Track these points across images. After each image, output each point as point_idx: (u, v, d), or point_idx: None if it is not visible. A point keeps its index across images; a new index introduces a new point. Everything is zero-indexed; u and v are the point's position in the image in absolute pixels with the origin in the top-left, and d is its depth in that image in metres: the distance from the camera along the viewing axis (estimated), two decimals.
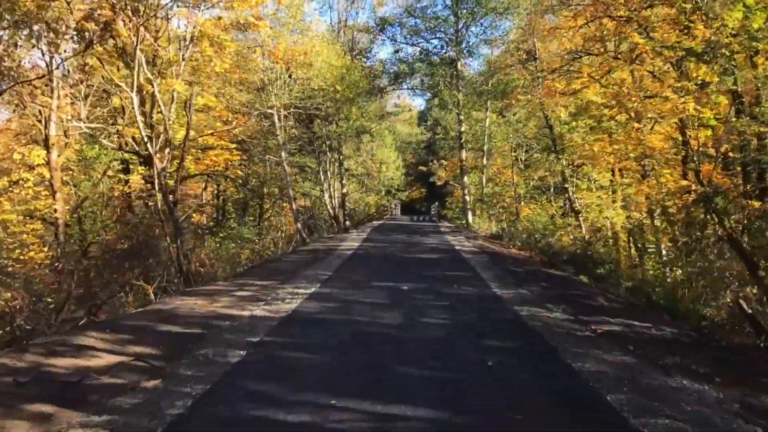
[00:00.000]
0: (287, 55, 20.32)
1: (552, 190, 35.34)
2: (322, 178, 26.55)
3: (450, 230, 24.16)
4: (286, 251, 18.83)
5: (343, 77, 24.13)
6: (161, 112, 14.74)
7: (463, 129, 29.05)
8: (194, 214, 27.66)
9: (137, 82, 13.98)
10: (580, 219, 27.54)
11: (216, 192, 28.43)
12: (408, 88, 30.81)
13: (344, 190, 28.98)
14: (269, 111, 22.03)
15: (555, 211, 34.06)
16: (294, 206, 22.65)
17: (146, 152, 16.75)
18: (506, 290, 9.22)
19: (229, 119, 20.23)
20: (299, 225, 22.72)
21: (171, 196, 13.01)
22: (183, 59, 17.25)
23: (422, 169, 56.33)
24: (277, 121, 22.04)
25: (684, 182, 15.39)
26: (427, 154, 60.12)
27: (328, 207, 26.42)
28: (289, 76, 21.28)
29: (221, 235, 22.50)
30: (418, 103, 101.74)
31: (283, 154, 22.24)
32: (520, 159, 33.84)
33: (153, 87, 14.89)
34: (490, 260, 13.54)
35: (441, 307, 7.75)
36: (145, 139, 12.97)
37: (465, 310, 7.64)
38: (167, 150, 16.89)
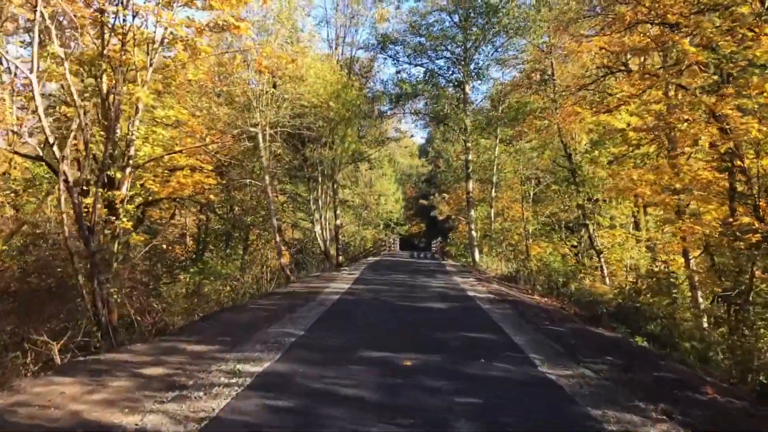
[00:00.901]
0: (273, 64, 17.56)
1: (563, 227, 32.42)
2: (313, 207, 23.57)
3: (456, 270, 21.05)
4: (265, 292, 15.73)
5: (338, 94, 21.41)
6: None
7: (470, 157, 26.23)
8: (176, 247, 24.67)
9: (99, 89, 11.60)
10: (601, 260, 24.53)
11: (198, 222, 25.47)
12: (411, 113, 28.14)
13: (338, 222, 25.97)
14: (253, 130, 19.21)
15: (567, 250, 31.19)
16: (278, 238, 19.61)
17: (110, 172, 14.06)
18: (559, 370, 6.11)
19: (204, 136, 17.35)
20: (283, 260, 19.63)
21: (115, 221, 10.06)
22: (151, 64, 14.60)
23: (423, 202, 53.51)
24: (261, 141, 19.18)
25: (745, 219, 12.36)
26: (428, 188, 57.41)
27: (319, 240, 23.36)
28: (274, 86, 18.50)
29: (191, 270, 19.39)
30: (420, 135, 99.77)
31: (267, 178, 19.30)
32: (529, 193, 30.99)
33: (116, 96, 12.34)
34: (516, 312, 10.44)
35: (469, 412, 4.63)
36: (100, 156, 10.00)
37: (510, 418, 4.53)
38: (128, 170, 14.17)
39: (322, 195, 23.31)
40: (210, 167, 18.78)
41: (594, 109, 20.87)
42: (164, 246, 23.37)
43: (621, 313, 11.97)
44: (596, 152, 22.89)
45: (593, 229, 23.96)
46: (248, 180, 20.38)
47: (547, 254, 28.35)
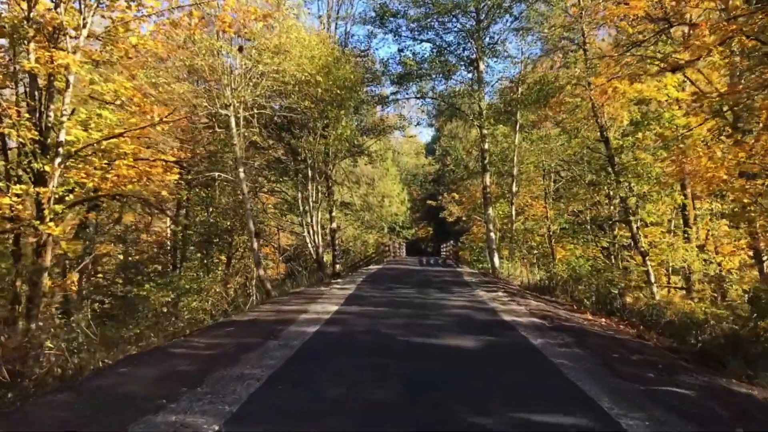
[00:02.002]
0: (241, 18, 13.88)
1: (592, 226, 28.50)
2: (302, 208, 19.80)
3: (476, 279, 17.15)
4: (223, 318, 11.99)
5: (328, 70, 17.69)
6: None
7: (486, 147, 22.36)
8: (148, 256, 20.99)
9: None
10: (648, 263, 20.59)
11: (171, 228, 21.78)
12: (416, 97, 24.27)
13: (334, 225, 22.19)
14: (223, 112, 15.53)
15: (598, 252, 27.35)
16: (255, 245, 15.84)
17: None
18: None
19: (156, 115, 13.65)
20: (262, 272, 15.84)
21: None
22: (84, 26, 11.33)
23: (430, 203, 49.64)
24: (233, 126, 15.48)
25: None
26: (436, 187, 53.57)
27: (309, 247, 19.56)
28: (240, 49, 14.76)
29: (147, 286, 15.67)
30: (426, 133, 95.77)
31: (241, 172, 15.58)
32: (550, 188, 27.11)
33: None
34: (588, 353, 6.64)
35: None
36: None
37: None
38: (57, 161, 11.02)
39: (312, 193, 19.53)
40: (170, 158, 15.14)
41: (647, 74, 17.18)
42: (136, 257, 19.75)
43: (730, 344, 8.12)
44: (639, 134, 19.07)
45: (637, 227, 20.09)
46: (217, 174, 16.61)
47: (576, 258, 24.55)
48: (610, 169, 20.21)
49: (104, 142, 13.19)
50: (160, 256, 21.23)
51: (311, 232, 19.28)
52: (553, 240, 27.07)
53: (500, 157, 24.56)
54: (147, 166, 13.47)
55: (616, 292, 14.16)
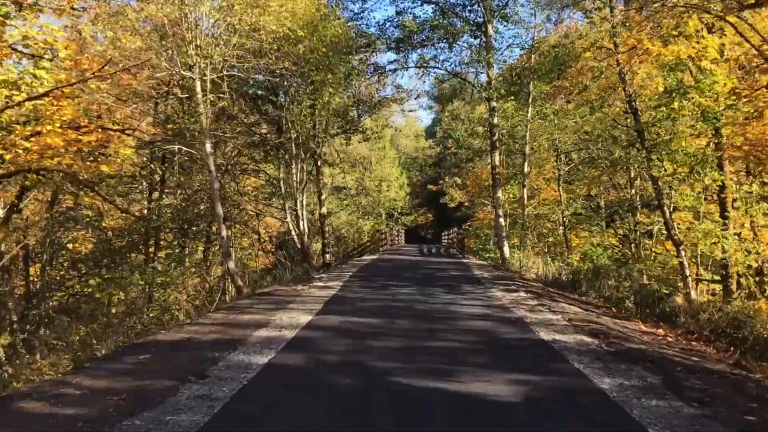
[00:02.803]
0: None
1: (605, 212, 25.87)
2: (283, 190, 17.14)
3: (488, 273, 14.44)
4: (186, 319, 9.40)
5: (314, 27, 14.98)
6: None
7: (495, 122, 19.60)
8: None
9: None
10: (682, 254, 17.98)
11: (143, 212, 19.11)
12: (416, 66, 21.45)
13: (323, 210, 19.53)
14: (187, 74, 12.82)
15: (614, 241, 24.81)
16: (224, 232, 13.19)
17: None
18: None
19: (90, 70, 10.93)
20: (231, 265, 13.17)
21: None
22: None
23: (431, 188, 46.93)
24: (198, 90, 12.76)
25: None
26: (437, 171, 50.84)
27: (293, 234, 16.92)
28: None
29: (92, 282, 13.04)
30: (425, 117, 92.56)
31: (207, 145, 12.90)
32: (562, 171, 24.41)
33: None
34: (693, 406, 4.05)
35: None
36: None
37: None
38: None
39: (296, 173, 16.83)
40: (110, 125, 12.49)
41: (682, 34, 14.67)
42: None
43: None
44: (675, 103, 16.37)
45: (670, 212, 17.45)
46: (177, 148, 13.91)
47: (593, 247, 22.00)
48: (638, 145, 17.51)
49: (27, 104, 10.60)
50: (128, 245, 18.54)
51: (296, 217, 16.64)
52: (566, 227, 24.46)
53: (510, 132, 21.79)
54: (80, 134, 10.78)
55: (666, 291, 11.51)
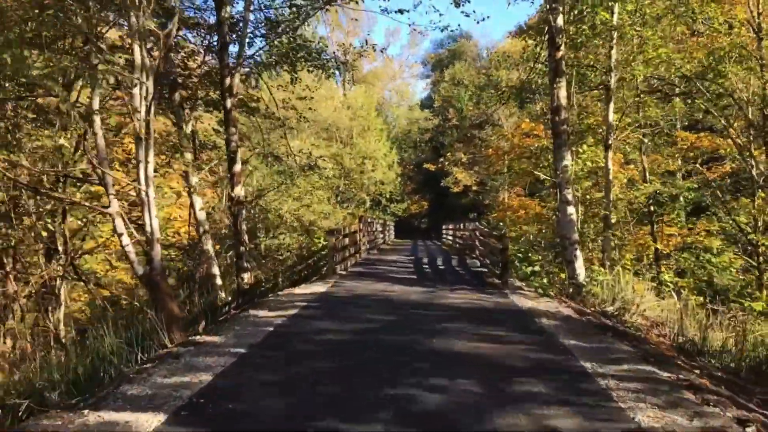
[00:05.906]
0: None
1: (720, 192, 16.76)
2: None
3: (599, 355, 5.26)
4: None
5: None
6: None
7: (560, 23, 10.37)
8: None
9: None
10: None
11: None
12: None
13: (238, 191, 10.35)
14: None
15: (718, 242, 16.03)
16: None
17: None
18: None
19: None
20: None
21: None
22: None
23: (428, 167, 37.70)
24: None
25: None
26: (434, 149, 41.57)
27: (125, 246, 7.70)
28: None
29: None
30: (417, 86, 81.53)
31: None
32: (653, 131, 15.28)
33: None
34: None
35: None
36: None
37: None
38: None
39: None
40: None
41: None
42: None
43: None
44: None
45: None
46: None
47: (711, 255, 13.12)
48: None
49: None
50: None
51: (147, 204, 7.40)
52: (653, 220, 15.41)
53: (586, 44, 12.16)
54: None
55: None
